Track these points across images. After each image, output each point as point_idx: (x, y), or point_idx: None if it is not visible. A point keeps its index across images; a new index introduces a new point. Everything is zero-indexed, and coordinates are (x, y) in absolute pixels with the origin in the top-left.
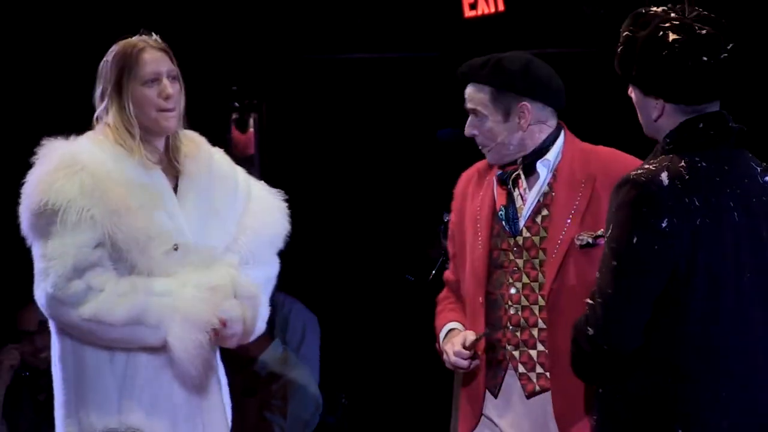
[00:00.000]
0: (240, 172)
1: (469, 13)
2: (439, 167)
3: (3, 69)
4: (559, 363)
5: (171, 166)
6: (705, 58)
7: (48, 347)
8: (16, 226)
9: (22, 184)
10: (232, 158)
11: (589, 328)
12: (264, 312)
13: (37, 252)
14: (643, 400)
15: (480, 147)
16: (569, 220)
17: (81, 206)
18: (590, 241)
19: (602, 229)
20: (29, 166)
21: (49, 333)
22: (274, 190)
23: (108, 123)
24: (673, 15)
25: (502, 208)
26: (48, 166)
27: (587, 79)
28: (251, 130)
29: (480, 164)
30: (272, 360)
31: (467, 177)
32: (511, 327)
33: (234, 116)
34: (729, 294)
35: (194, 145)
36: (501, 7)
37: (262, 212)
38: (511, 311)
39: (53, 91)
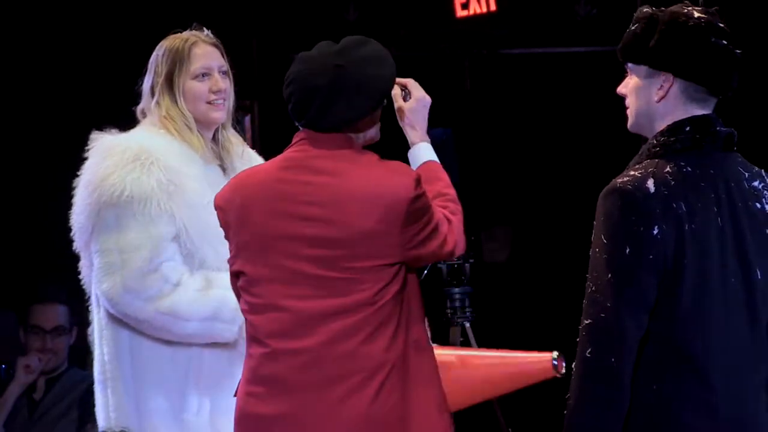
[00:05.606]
0: None
1: (460, 12)
2: None
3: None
4: None
5: (220, 161)
6: (725, 42)
7: (57, 352)
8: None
9: (74, 177)
10: None
11: (588, 347)
12: None
13: (103, 245)
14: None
15: None
16: None
17: (159, 199)
18: None
19: None
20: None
21: (62, 338)
22: None
23: (164, 116)
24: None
25: None
26: (118, 157)
27: (579, 80)
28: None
29: None
30: None
31: None
32: None
33: None
34: (716, 300)
35: (238, 142)
36: (493, 7)
37: None
38: None
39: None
